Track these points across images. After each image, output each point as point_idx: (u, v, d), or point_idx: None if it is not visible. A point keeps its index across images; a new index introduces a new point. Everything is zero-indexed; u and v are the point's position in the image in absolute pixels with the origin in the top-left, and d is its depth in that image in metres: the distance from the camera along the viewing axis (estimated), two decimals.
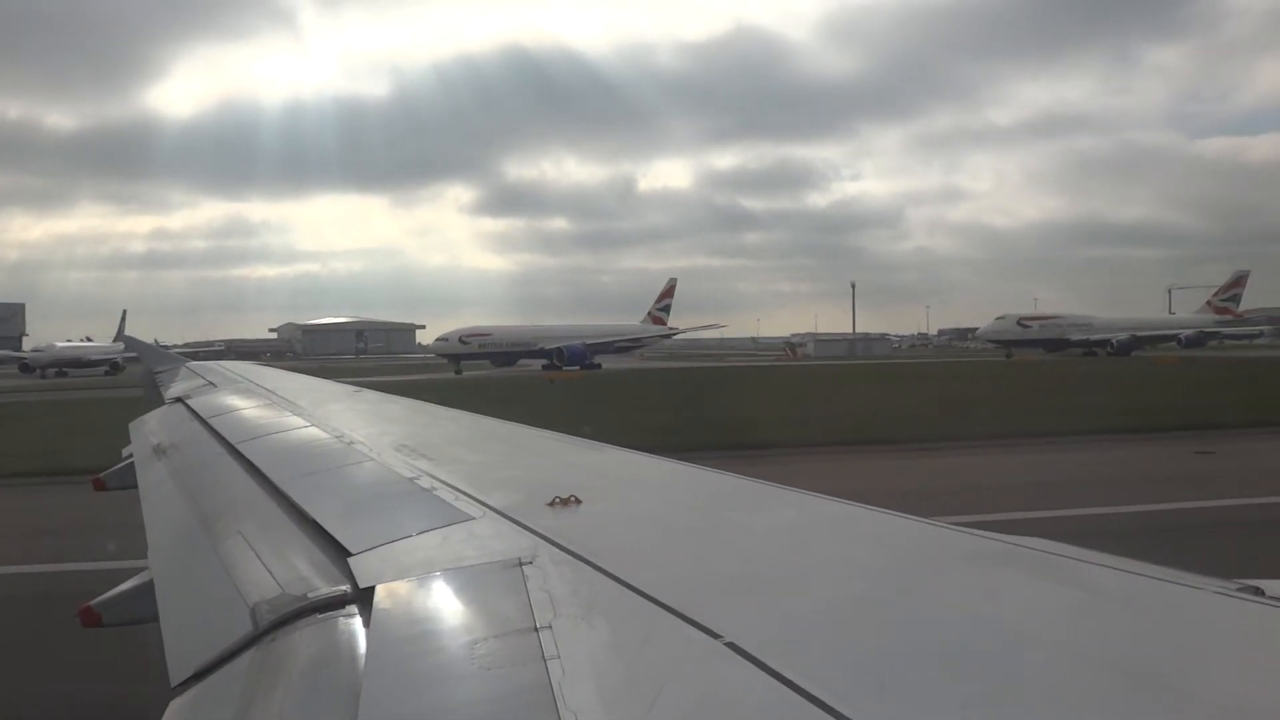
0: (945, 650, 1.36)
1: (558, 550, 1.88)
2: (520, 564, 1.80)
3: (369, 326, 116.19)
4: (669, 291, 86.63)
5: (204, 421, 5.00)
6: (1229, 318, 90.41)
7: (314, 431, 4.12)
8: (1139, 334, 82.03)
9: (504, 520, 2.19)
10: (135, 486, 4.10)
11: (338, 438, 3.79)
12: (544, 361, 70.97)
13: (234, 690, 1.58)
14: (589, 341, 74.60)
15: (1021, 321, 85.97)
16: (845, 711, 1.11)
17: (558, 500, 2.31)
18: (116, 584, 2.75)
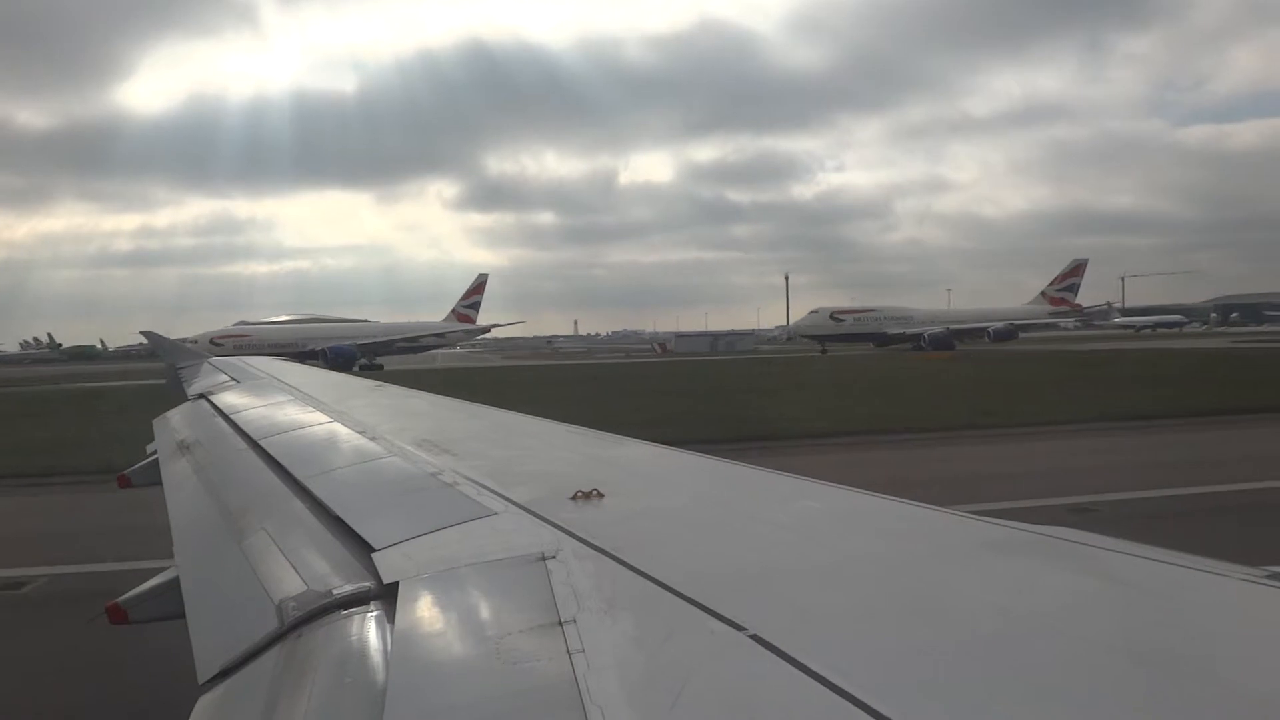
0: (970, 640, 1.35)
1: (581, 544, 1.88)
2: (544, 558, 1.80)
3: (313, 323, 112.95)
4: (478, 289, 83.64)
5: (227, 418, 5.04)
6: (1065, 308, 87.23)
7: (337, 427, 4.14)
8: (953, 326, 79.83)
9: (527, 515, 2.19)
10: (160, 483, 4.14)
11: (360, 433, 3.81)
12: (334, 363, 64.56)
13: (261, 687, 1.59)
14: (363, 341, 69.24)
15: (835, 315, 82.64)
16: (870, 703, 1.11)
17: (580, 494, 2.31)
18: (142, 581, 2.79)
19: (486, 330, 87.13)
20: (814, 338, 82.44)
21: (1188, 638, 1.37)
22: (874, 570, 1.77)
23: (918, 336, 78.30)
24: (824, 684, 1.17)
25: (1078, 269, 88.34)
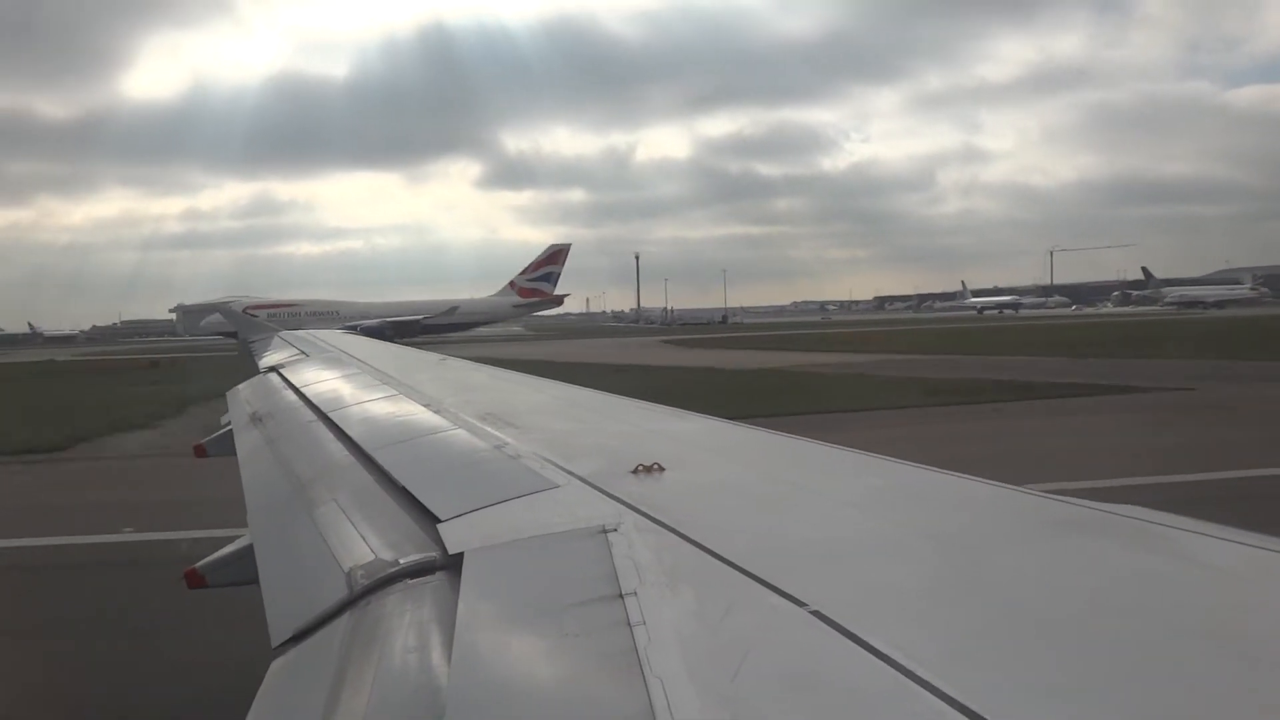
0: (1035, 619, 1.33)
1: (642, 518, 1.89)
2: (605, 531, 1.81)
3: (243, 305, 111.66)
4: None
5: (297, 390, 5.15)
6: (536, 299, 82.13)
7: (403, 400, 4.21)
8: (363, 323, 68.77)
9: (588, 488, 2.21)
10: (234, 453, 4.25)
11: (426, 406, 3.87)
12: None
13: (331, 652, 1.64)
14: None
15: (248, 310, 68.13)
16: (933, 680, 1.10)
17: (641, 468, 2.32)
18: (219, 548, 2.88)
19: None
20: (225, 334, 69.94)
21: (1267, 622, 1.34)
22: (939, 547, 1.75)
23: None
24: (886, 661, 1.17)
25: (556, 256, 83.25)
